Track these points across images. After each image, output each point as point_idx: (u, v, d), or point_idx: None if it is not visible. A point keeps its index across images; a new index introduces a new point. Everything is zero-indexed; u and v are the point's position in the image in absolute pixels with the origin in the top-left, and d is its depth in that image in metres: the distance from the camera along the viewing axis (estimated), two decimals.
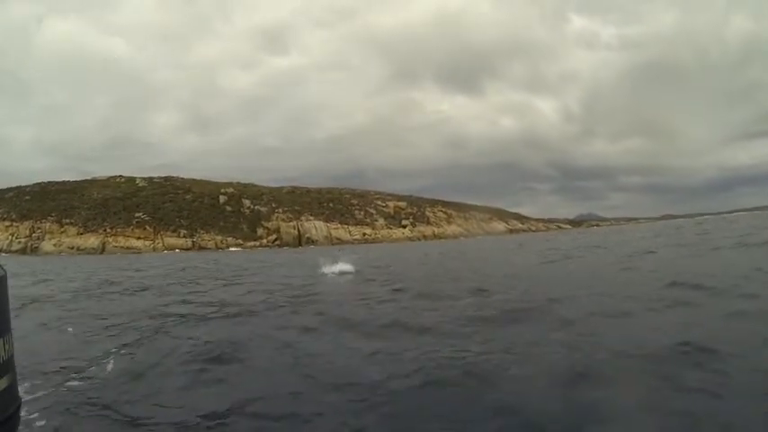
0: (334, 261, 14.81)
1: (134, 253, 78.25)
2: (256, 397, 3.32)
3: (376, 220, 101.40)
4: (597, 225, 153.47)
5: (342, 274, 13.65)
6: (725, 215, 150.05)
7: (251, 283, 12.25)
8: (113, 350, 4.84)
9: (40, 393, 3.48)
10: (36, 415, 3.06)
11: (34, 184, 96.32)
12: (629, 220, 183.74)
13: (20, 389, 1.38)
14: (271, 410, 3.08)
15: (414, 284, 9.87)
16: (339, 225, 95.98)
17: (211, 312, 7.11)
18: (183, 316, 6.87)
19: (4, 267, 1.24)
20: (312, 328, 5.66)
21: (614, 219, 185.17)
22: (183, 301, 8.83)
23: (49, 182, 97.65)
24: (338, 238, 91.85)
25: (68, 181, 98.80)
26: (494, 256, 21.89)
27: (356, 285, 11.08)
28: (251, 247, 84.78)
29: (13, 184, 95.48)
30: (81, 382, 3.77)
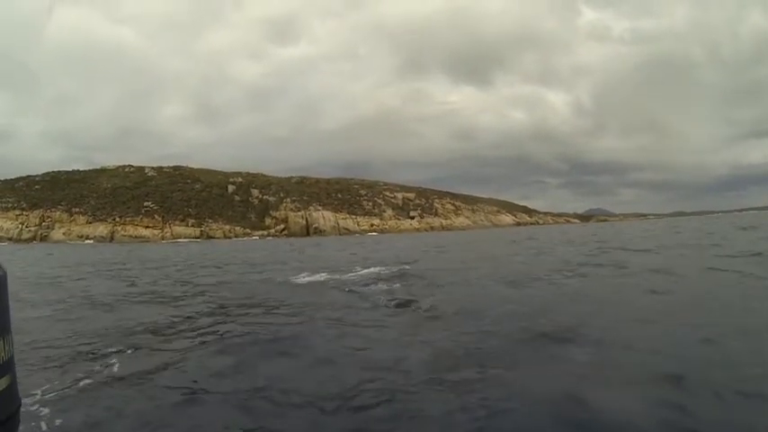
0: None
1: (142, 242, 78.48)
2: None
3: (384, 211, 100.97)
4: (606, 220, 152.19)
5: None
6: (735, 213, 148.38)
7: None
8: None
9: None
10: None
11: (44, 174, 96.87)
12: (638, 216, 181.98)
13: None
14: None
15: None
16: (347, 215, 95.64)
17: None
18: None
19: (4, 267, 1.22)
20: None
21: (623, 214, 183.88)
22: None
23: (58, 171, 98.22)
24: (346, 229, 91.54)
25: (78, 170, 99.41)
26: None
27: None
28: (260, 236, 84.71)
29: (23, 174, 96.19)
30: None
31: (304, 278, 9.98)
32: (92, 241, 78.77)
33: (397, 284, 8.32)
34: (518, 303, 6.24)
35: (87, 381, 3.57)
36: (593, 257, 12.48)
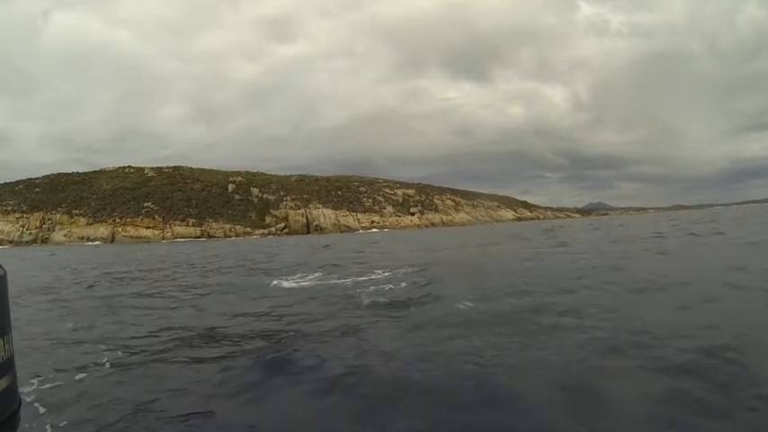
0: None
1: (143, 242, 78.45)
2: None
3: (384, 208, 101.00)
4: (606, 214, 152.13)
5: None
6: (735, 206, 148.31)
7: None
8: None
9: None
10: None
11: (44, 177, 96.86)
12: (638, 209, 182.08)
13: None
14: None
15: None
16: (347, 212, 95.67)
17: None
18: None
19: (4, 267, 1.21)
20: None
21: (623, 208, 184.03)
22: None
23: (58, 174, 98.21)
24: (347, 226, 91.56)
25: (78, 172, 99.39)
26: None
27: None
28: (260, 235, 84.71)
29: (23, 177, 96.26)
30: None
31: (316, 282, 9.18)
32: (99, 242, 78.86)
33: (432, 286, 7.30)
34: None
35: (88, 382, 3.57)
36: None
